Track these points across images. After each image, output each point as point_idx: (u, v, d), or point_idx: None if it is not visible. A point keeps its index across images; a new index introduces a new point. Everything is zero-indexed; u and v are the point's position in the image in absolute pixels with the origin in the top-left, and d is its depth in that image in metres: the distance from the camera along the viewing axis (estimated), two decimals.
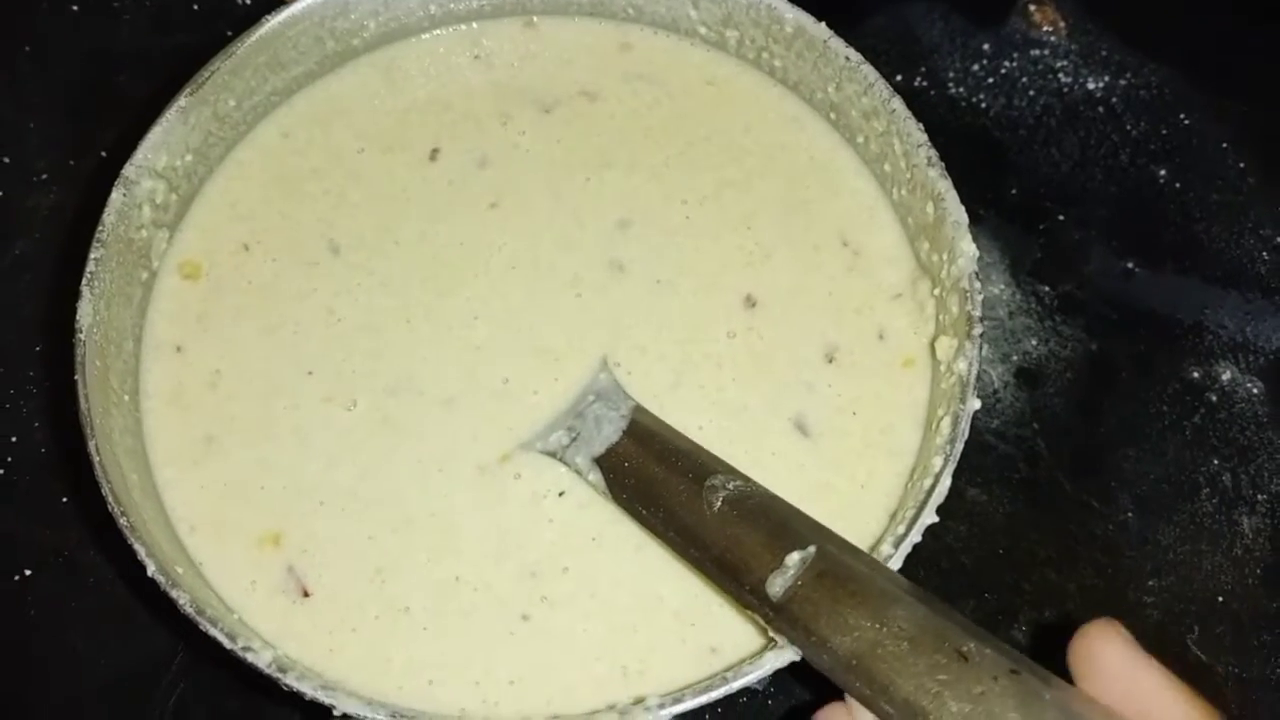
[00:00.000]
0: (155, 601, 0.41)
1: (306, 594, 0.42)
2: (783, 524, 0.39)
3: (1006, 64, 0.64)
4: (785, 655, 0.38)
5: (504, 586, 0.43)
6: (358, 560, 0.43)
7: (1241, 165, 0.61)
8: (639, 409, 0.45)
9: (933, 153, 0.46)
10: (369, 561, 0.43)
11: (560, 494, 0.45)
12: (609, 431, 0.44)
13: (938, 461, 0.41)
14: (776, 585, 0.37)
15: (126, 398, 0.43)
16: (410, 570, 0.43)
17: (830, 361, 0.47)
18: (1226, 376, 0.56)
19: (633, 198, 0.49)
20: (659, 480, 0.42)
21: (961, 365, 0.42)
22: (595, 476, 0.44)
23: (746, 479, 0.41)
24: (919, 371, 0.46)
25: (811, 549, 0.37)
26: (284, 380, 0.45)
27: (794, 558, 0.37)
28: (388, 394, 0.45)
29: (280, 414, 0.45)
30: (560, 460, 0.45)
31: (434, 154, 0.50)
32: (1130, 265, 0.59)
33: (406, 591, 0.43)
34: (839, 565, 0.37)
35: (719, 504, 0.40)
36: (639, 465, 0.43)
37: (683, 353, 0.47)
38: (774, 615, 0.38)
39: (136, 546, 0.38)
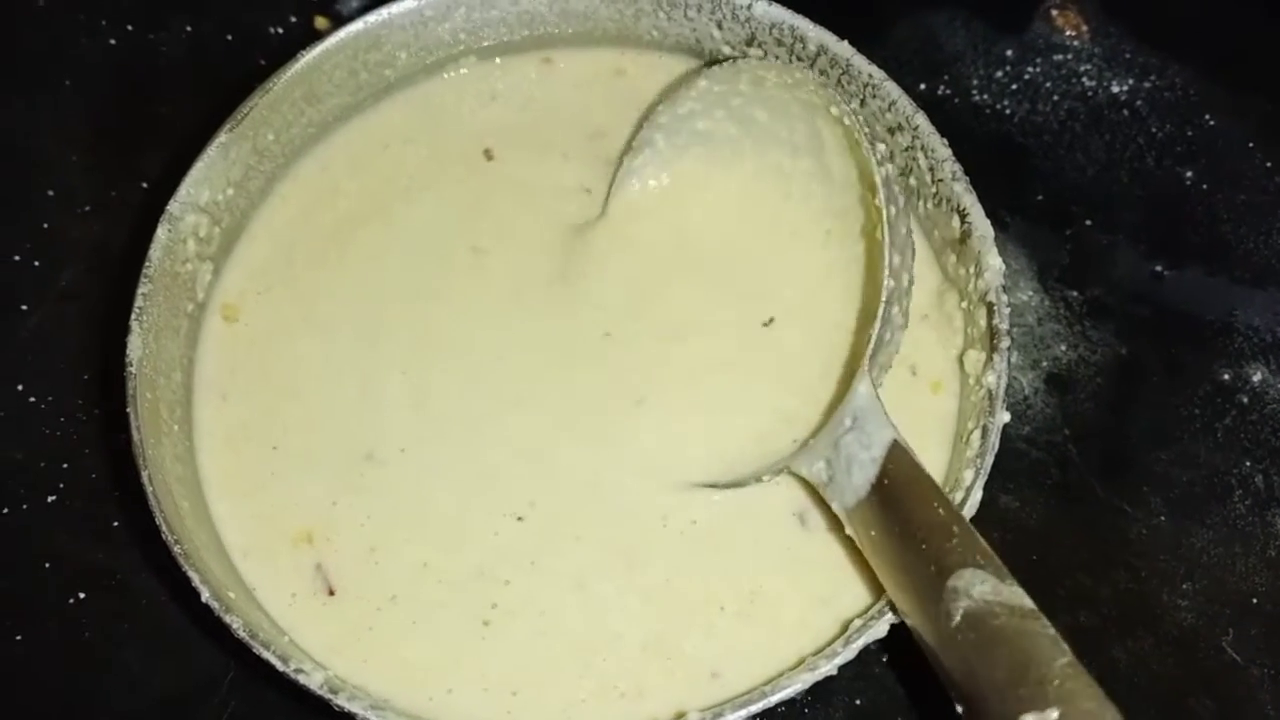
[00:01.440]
0: (205, 621, 0.43)
1: (331, 592, 0.44)
2: (1025, 664, 0.34)
3: (1030, 69, 0.64)
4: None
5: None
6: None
7: (1268, 164, 0.61)
8: (896, 449, 0.40)
9: (957, 167, 0.47)
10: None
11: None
12: (859, 480, 0.40)
13: (969, 475, 0.42)
14: None
15: (176, 427, 0.45)
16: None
17: None
18: (1257, 378, 0.56)
19: None
20: (901, 563, 0.37)
21: (990, 379, 0.43)
22: (851, 530, 0.41)
23: (999, 576, 0.36)
24: (947, 390, 0.46)
25: (1053, 715, 0.33)
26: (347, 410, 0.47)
27: None
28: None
29: (336, 449, 0.46)
30: (827, 498, 0.42)
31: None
32: (1158, 268, 0.59)
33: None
34: None
35: (958, 617, 0.35)
36: (882, 539, 0.38)
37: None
38: None
39: (190, 574, 0.39)
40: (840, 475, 0.41)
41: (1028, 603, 0.36)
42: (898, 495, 0.39)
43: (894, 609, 0.40)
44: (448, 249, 0.50)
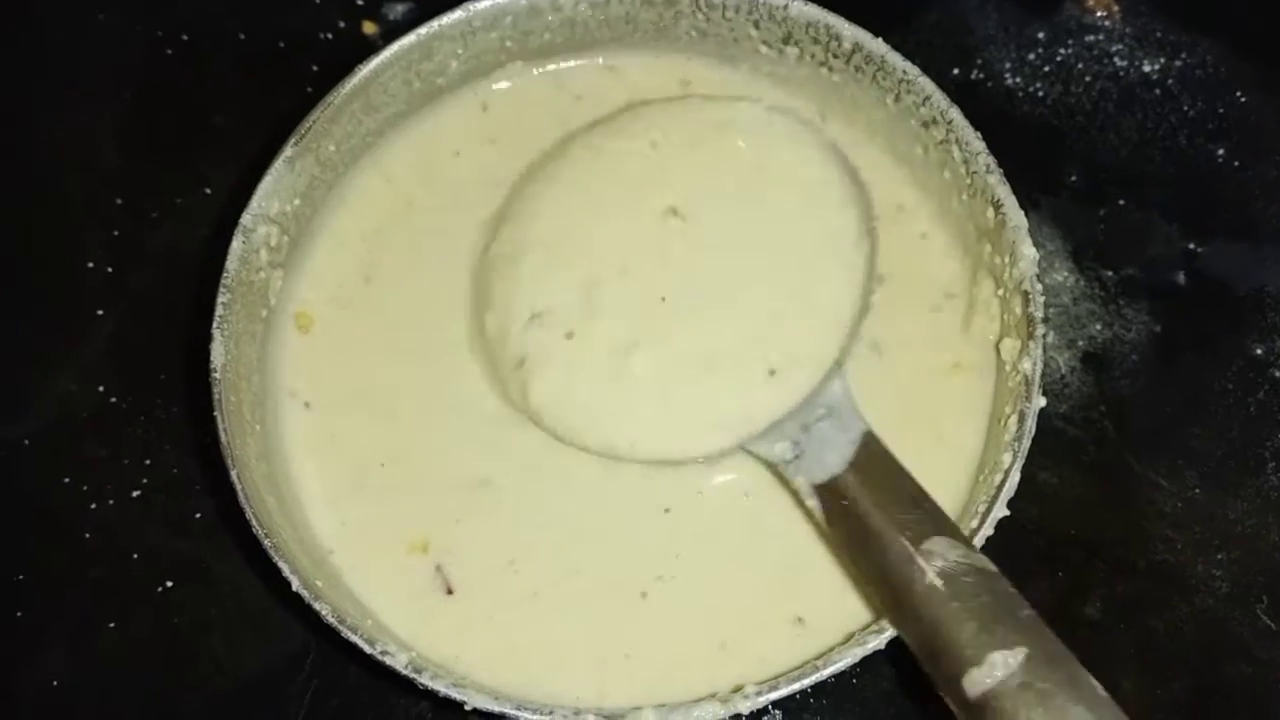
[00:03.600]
0: (288, 604, 0.46)
1: (450, 591, 0.46)
2: (994, 614, 0.38)
3: (1062, 51, 0.65)
4: (879, 639, 0.41)
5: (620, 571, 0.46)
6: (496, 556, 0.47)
7: None
8: (870, 437, 0.44)
9: (991, 160, 0.48)
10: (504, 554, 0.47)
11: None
12: (833, 459, 0.43)
13: (1006, 458, 0.44)
14: (974, 684, 0.36)
15: (259, 427, 0.47)
16: (540, 559, 0.47)
17: None
18: None
19: None
20: (876, 531, 0.40)
21: (1026, 365, 0.45)
22: (814, 503, 0.44)
23: (969, 548, 0.40)
24: (968, 370, 0.48)
25: (1020, 653, 0.36)
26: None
27: (997, 659, 0.36)
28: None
29: (452, 474, 0.49)
30: (780, 475, 0.46)
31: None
32: (1191, 245, 0.60)
33: (535, 580, 0.46)
34: (1046, 680, 0.36)
35: (932, 576, 0.39)
36: (857, 508, 0.42)
37: None
38: (964, 711, 0.37)
39: (281, 565, 0.42)
40: (812, 454, 0.44)
41: (993, 567, 0.40)
42: (873, 473, 0.43)
43: (855, 566, 0.44)
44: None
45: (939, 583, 0.39)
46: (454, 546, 0.48)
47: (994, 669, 0.36)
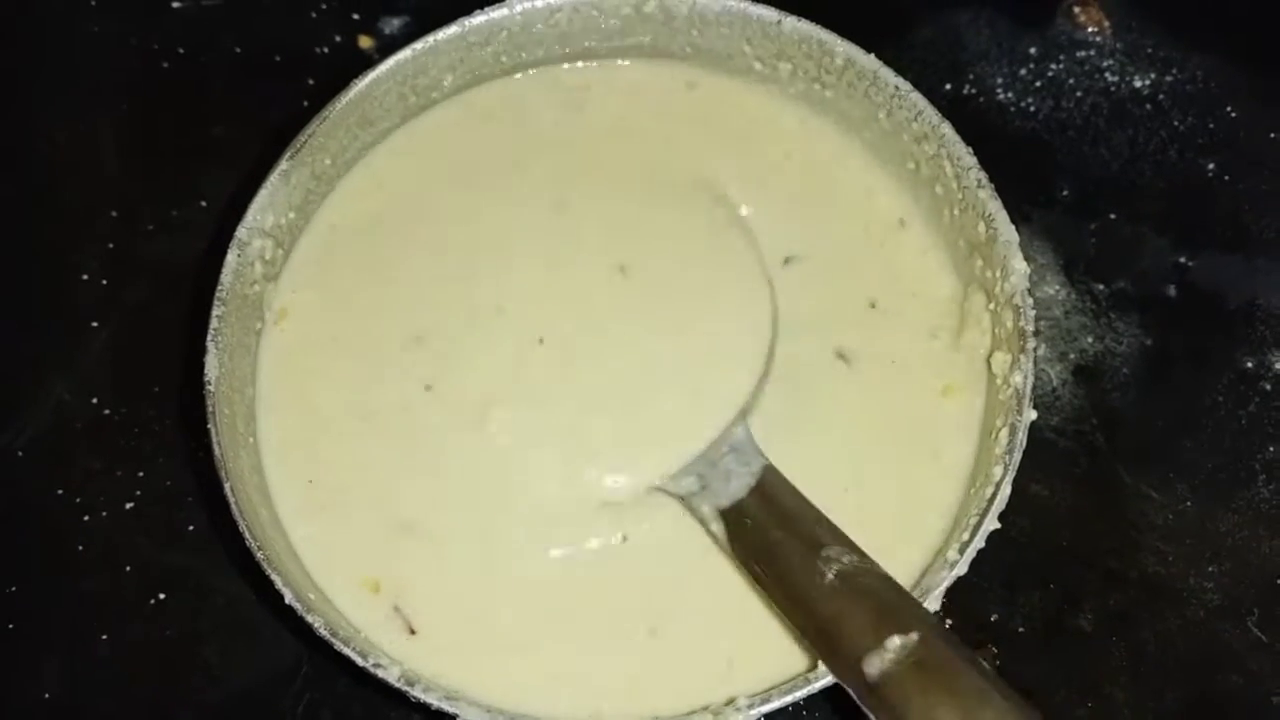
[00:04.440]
0: (281, 617, 0.46)
1: (413, 631, 0.46)
2: (890, 606, 0.40)
3: (1053, 66, 0.65)
4: None
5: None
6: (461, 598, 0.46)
7: None
8: (770, 469, 0.46)
9: (982, 175, 0.49)
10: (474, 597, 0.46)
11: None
12: (736, 486, 0.46)
13: (998, 471, 0.44)
14: (873, 665, 0.38)
15: (252, 439, 0.47)
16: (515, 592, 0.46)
17: None
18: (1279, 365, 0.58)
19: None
20: (777, 542, 0.43)
21: (1017, 378, 0.45)
22: (718, 527, 0.46)
23: (863, 555, 0.42)
24: (960, 392, 0.49)
25: (914, 635, 0.38)
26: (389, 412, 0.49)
27: (894, 641, 0.38)
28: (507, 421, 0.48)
29: (381, 455, 0.48)
30: (686, 505, 0.47)
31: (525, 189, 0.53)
32: (1182, 259, 0.60)
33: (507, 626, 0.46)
34: (939, 657, 0.38)
35: (830, 576, 0.41)
36: (760, 525, 0.44)
37: None
38: (866, 693, 0.39)
39: (274, 577, 0.42)
40: (717, 485, 0.46)
41: (887, 573, 0.42)
42: (774, 496, 0.45)
43: (759, 578, 0.45)
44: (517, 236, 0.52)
45: (837, 582, 0.41)
46: (404, 588, 0.47)
47: (891, 650, 0.38)
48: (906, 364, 0.50)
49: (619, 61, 0.56)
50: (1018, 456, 0.44)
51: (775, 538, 0.44)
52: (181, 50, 0.66)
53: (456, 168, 0.54)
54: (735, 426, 0.48)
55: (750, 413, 0.48)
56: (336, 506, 0.48)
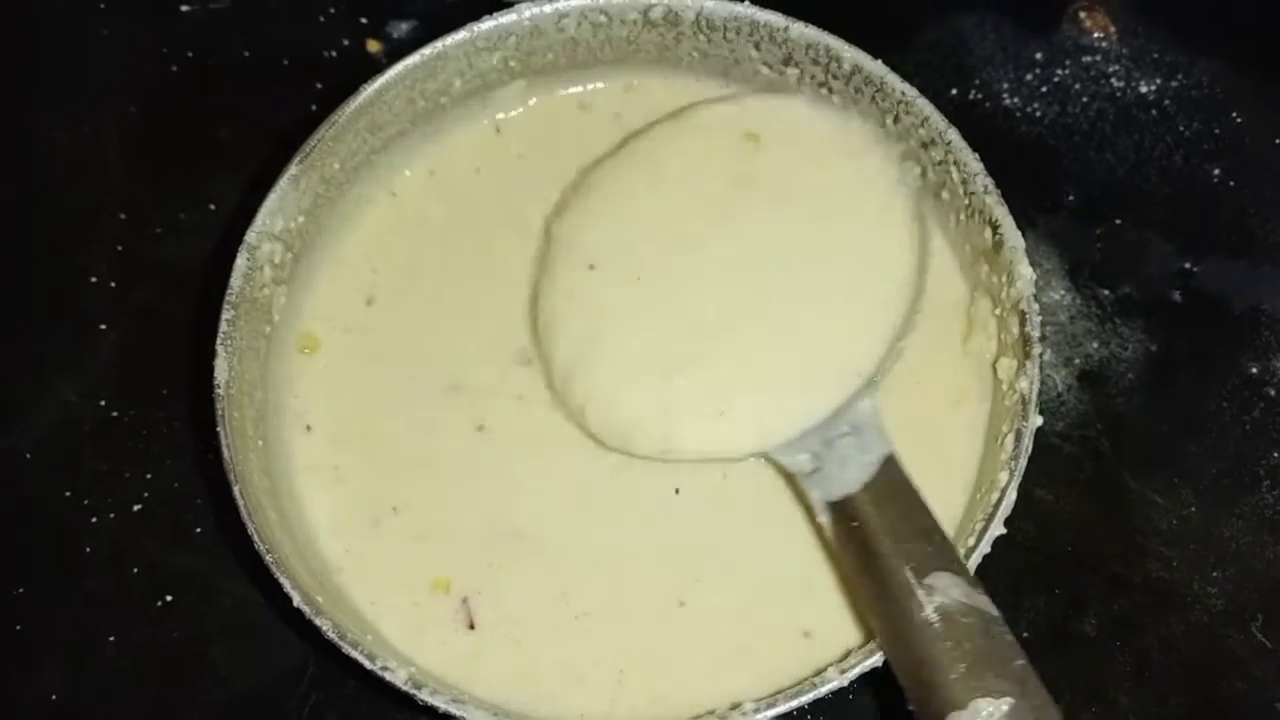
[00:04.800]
0: (287, 619, 0.46)
1: (472, 627, 0.47)
2: (989, 660, 0.37)
3: (1059, 72, 0.65)
4: (875, 658, 0.41)
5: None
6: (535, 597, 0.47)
7: None
8: (891, 461, 0.43)
9: (989, 181, 0.49)
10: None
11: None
12: (851, 476, 0.43)
13: (1003, 476, 0.44)
14: None
15: (260, 442, 0.48)
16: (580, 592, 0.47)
17: None
18: None
19: None
20: (882, 556, 0.40)
21: (1023, 384, 0.45)
22: (826, 519, 0.43)
23: (973, 587, 0.39)
24: (968, 402, 0.49)
25: (1006, 703, 0.36)
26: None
27: (982, 705, 0.36)
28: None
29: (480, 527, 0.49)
30: (796, 486, 0.46)
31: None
32: (1187, 264, 0.61)
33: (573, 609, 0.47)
34: None
35: (930, 610, 0.38)
36: (868, 530, 0.41)
37: None
38: None
39: (282, 580, 0.42)
40: (831, 469, 0.44)
41: (994, 611, 0.40)
42: (888, 498, 0.42)
43: (855, 587, 0.44)
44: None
45: (935, 619, 0.38)
46: (484, 588, 0.48)
47: (978, 715, 0.36)
48: (913, 368, 0.50)
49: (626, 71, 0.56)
50: (1023, 462, 0.44)
51: (880, 550, 0.41)
52: (190, 54, 0.67)
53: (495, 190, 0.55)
54: (861, 399, 0.46)
55: (880, 387, 0.46)
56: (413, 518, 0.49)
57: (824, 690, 0.42)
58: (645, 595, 0.47)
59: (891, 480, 0.43)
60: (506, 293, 0.53)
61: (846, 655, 0.44)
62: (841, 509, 0.43)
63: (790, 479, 0.47)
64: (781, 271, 0.48)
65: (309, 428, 0.51)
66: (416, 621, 0.47)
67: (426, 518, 0.49)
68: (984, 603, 0.39)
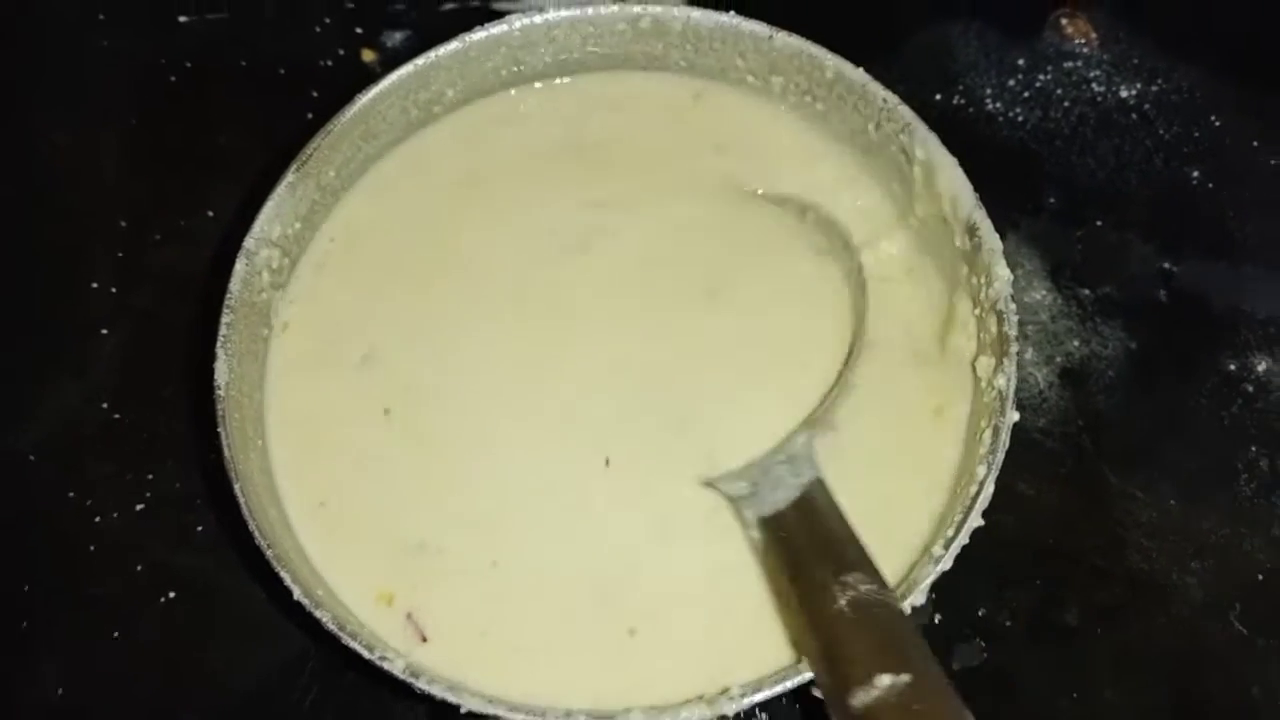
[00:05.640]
0: (288, 613, 0.47)
1: (425, 639, 0.47)
2: (891, 643, 0.40)
3: (1041, 77, 0.67)
4: None
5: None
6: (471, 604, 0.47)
7: (1272, 162, 0.64)
8: (818, 484, 0.47)
9: (968, 186, 0.50)
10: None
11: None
12: (782, 495, 0.46)
13: (981, 470, 0.45)
14: (859, 699, 0.38)
15: (260, 442, 0.49)
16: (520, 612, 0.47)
17: None
18: (1262, 368, 0.59)
19: None
20: (804, 561, 0.44)
21: (1000, 381, 0.47)
22: (756, 534, 0.46)
23: (883, 586, 0.42)
24: (949, 412, 0.50)
25: (905, 678, 0.38)
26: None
27: (884, 680, 0.38)
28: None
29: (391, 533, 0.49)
30: (733, 508, 0.48)
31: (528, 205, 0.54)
32: (1167, 265, 0.62)
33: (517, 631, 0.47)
34: (926, 703, 0.38)
35: (843, 602, 0.41)
36: (793, 539, 0.45)
37: None
38: None
39: (283, 574, 0.44)
40: (765, 492, 0.47)
41: (902, 608, 0.42)
42: (813, 513, 0.46)
43: (781, 592, 0.46)
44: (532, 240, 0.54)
45: (848, 609, 0.41)
46: (420, 604, 0.48)
47: (878, 689, 0.38)
48: (894, 368, 0.51)
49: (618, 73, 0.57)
50: (1000, 456, 0.46)
51: (803, 555, 0.44)
52: (188, 63, 0.68)
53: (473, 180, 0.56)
54: (798, 436, 0.48)
55: (817, 424, 0.49)
56: (346, 525, 0.49)
57: (810, 675, 0.43)
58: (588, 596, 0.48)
59: (817, 499, 0.46)
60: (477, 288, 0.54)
61: None
62: (772, 524, 0.46)
63: (729, 501, 0.48)
64: (731, 323, 0.51)
65: (282, 420, 0.51)
66: (374, 632, 0.47)
67: (353, 517, 0.49)
68: (891, 598, 0.42)
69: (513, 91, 0.57)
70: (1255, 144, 0.64)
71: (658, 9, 0.54)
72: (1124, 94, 0.66)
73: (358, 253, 0.54)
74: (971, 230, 0.49)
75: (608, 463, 0.49)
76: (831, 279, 0.52)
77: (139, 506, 0.57)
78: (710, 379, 0.50)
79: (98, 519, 0.56)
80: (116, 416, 0.59)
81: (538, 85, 0.57)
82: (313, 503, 0.49)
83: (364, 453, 0.50)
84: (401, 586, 0.48)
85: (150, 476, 0.57)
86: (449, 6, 0.68)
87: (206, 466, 0.56)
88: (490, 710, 0.42)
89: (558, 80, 0.57)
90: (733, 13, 0.54)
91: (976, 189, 0.51)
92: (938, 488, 0.49)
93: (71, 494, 0.57)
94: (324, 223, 0.55)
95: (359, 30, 0.68)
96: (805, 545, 0.45)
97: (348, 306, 0.53)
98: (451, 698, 0.42)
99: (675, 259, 0.52)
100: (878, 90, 0.52)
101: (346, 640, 0.43)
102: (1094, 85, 0.66)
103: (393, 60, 0.64)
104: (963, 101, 0.66)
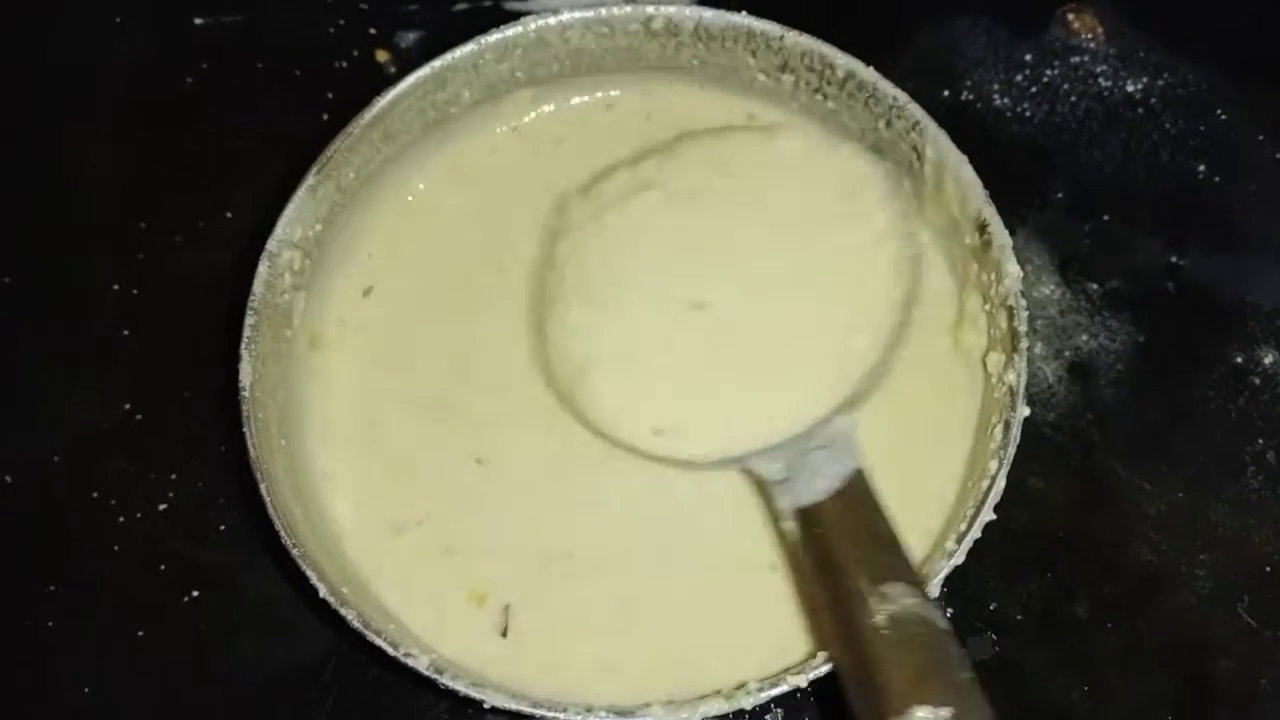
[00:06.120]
0: (311, 610, 0.48)
1: (504, 634, 0.48)
2: (934, 668, 0.37)
3: (1048, 72, 0.67)
4: None
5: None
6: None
7: (1278, 155, 0.64)
8: (859, 476, 0.44)
9: (978, 183, 0.51)
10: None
11: None
12: (820, 486, 0.44)
13: (993, 465, 0.46)
14: None
15: (284, 441, 0.50)
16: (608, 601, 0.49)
17: None
18: (1269, 360, 0.60)
19: None
20: (838, 564, 0.41)
21: (1011, 377, 0.47)
22: (790, 526, 0.44)
23: (925, 598, 0.39)
24: (961, 391, 0.51)
25: (945, 714, 0.36)
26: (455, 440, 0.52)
27: (922, 714, 0.36)
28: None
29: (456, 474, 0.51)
30: (765, 494, 0.47)
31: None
32: (1173, 259, 0.62)
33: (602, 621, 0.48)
34: None
35: (880, 617, 0.38)
36: (829, 538, 0.42)
37: None
38: None
39: (309, 573, 0.44)
40: (802, 478, 0.44)
41: (945, 624, 0.40)
42: (853, 509, 0.43)
43: (815, 593, 0.45)
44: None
45: (885, 625, 0.38)
46: (527, 601, 0.49)
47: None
48: (907, 363, 0.52)
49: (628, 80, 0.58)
50: (1012, 451, 0.46)
51: (839, 558, 0.41)
52: (204, 65, 0.68)
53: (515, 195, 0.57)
54: (837, 417, 0.46)
55: (860, 406, 0.47)
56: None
57: (825, 669, 0.44)
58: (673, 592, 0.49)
59: (858, 493, 0.44)
60: (511, 303, 0.55)
61: None
62: (807, 516, 0.44)
63: (760, 485, 0.48)
64: (775, 296, 0.50)
65: (326, 426, 0.52)
66: (442, 627, 0.49)
67: (451, 532, 0.51)
68: (935, 615, 0.39)
69: (530, 91, 0.57)
70: (1261, 137, 0.65)
71: (670, 9, 0.55)
72: (1130, 88, 0.66)
73: (403, 274, 0.56)
74: (981, 227, 0.50)
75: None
76: (884, 256, 0.50)
77: (162, 506, 0.57)
78: (755, 351, 0.49)
79: (122, 519, 0.57)
80: (139, 417, 0.60)
81: (554, 87, 0.58)
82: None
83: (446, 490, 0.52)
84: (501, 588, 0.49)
85: (173, 476, 0.58)
86: (461, 7, 0.69)
87: (229, 466, 0.57)
88: (512, 706, 0.43)
89: (573, 81, 0.58)
90: (744, 12, 0.55)
91: (985, 184, 0.51)
92: (947, 473, 0.50)
93: (96, 494, 0.58)
94: (361, 240, 0.56)
95: (373, 31, 0.68)
96: (842, 545, 0.42)
97: (403, 331, 0.55)
98: (475, 694, 0.43)
99: (719, 233, 0.52)
100: (888, 88, 0.53)
101: (371, 637, 0.44)
102: (1101, 80, 0.67)
103: (407, 61, 0.65)
104: (971, 97, 0.66)
